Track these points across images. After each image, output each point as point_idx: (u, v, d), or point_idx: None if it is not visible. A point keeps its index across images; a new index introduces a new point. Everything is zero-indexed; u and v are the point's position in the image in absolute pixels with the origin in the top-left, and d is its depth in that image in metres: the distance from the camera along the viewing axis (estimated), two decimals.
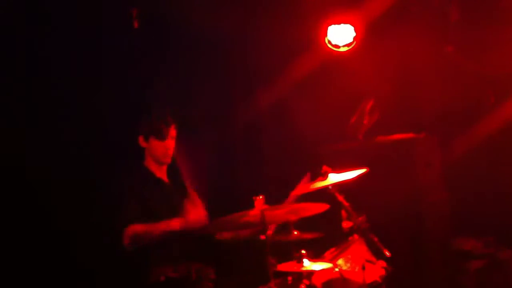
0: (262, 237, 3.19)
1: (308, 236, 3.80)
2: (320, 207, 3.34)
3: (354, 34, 4.64)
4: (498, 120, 5.13)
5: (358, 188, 3.83)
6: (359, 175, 3.73)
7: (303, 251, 3.25)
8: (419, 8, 4.96)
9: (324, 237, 3.81)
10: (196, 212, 3.63)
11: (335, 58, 4.73)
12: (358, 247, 3.50)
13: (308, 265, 3.23)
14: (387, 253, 3.61)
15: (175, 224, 3.58)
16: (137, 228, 3.56)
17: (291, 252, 3.47)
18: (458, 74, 5.04)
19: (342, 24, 4.63)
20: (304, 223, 3.69)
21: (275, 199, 3.59)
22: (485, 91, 4.98)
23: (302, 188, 3.73)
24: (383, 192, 4.45)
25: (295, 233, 3.75)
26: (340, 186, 3.75)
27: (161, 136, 3.84)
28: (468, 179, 4.92)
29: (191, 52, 4.61)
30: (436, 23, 5.01)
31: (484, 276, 4.77)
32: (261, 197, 3.14)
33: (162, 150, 3.87)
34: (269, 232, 3.17)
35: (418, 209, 4.59)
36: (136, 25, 4.33)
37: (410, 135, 4.63)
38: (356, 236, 3.53)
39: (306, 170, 3.83)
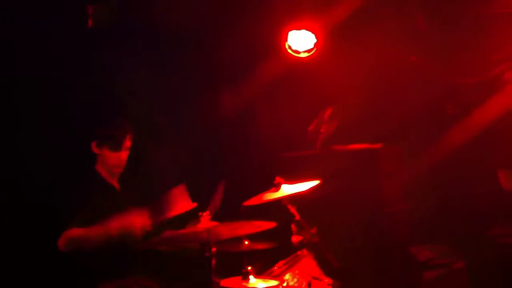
0: (207, 254, 3.12)
1: (259, 246, 3.78)
2: (268, 224, 3.29)
3: (315, 40, 4.60)
4: (461, 130, 5.16)
5: (314, 198, 3.81)
6: (312, 186, 3.71)
7: (249, 268, 3.20)
8: (384, 16, 4.93)
9: (277, 247, 3.82)
10: (135, 217, 3.53)
11: (296, 64, 4.67)
12: (307, 262, 3.47)
13: (253, 282, 3.18)
14: (335, 265, 3.61)
15: (112, 226, 3.44)
16: (75, 232, 3.43)
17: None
18: (422, 83, 5.04)
19: (303, 30, 4.58)
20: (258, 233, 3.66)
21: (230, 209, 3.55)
22: (448, 101, 4.98)
23: (254, 199, 3.69)
24: (341, 202, 4.42)
25: (246, 243, 3.73)
26: (294, 197, 3.74)
27: (115, 146, 3.76)
28: (426, 189, 4.93)
29: (154, 56, 4.52)
30: (402, 31, 4.99)
31: (439, 286, 4.79)
32: (206, 213, 3.08)
33: (114, 161, 3.77)
34: (214, 249, 3.11)
35: (378, 220, 4.58)
36: (90, 23, 4.21)
37: (368, 145, 4.60)
38: (305, 251, 3.50)
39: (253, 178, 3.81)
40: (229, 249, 3.66)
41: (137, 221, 3.44)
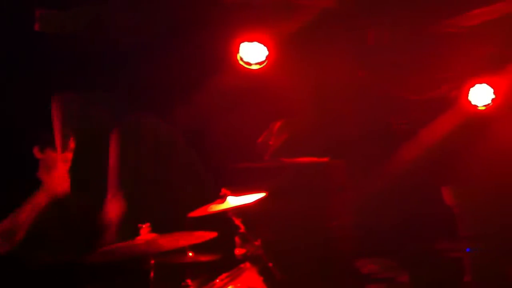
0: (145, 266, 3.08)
1: (203, 258, 3.76)
2: (209, 235, 3.27)
3: (266, 53, 4.62)
4: (408, 147, 5.26)
5: (260, 210, 3.82)
6: (258, 199, 3.72)
7: (189, 282, 3.17)
8: (335, 31, 4.99)
9: (221, 259, 3.81)
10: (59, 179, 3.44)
11: (247, 76, 4.68)
12: (249, 275, 3.46)
13: None
14: (278, 278, 3.63)
15: (39, 198, 3.33)
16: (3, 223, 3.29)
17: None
18: (370, 98, 5.12)
19: (255, 42, 4.60)
20: (201, 244, 3.64)
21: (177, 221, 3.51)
22: (394, 117, 5.07)
23: (199, 210, 3.68)
24: (287, 215, 4.44)
25: (190, 254, 3.71)
26: (239, 209, 3.74)
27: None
28: (373, 203, 5.00)
29: (104, 68, 4.45)
30: (351, 46, 5.06)
31: None
32: (146, 225, 3.04)
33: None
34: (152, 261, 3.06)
35: (323, 233, 4.62)
36: (36, 27, 4.12)
37: (315, 158, 4.64)
38: (248, 264, 3.49)
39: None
40: (172, 261, 3.63)
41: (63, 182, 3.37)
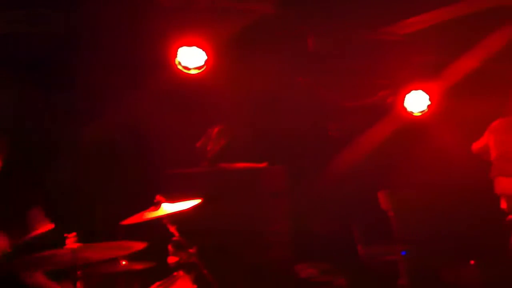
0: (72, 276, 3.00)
1: (137, 266, 3.70)
2: (138, 245, 3.22)
3: (205, 57, 4.59)
4: (346, 152, 5.33)
5: (196, 217, 3.79)
6: (194, 205, 3.68)
7: None
8: (275, 37, 5.01)
9: (155, 267, 3.76)
10: None
11: (186, 81, 4.64)
12: (182, 283, 3.42)
13: None
14: (215, 285, 3.60)
15: None
16: None
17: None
18: (308, 104, 5.16)
19: (193, 47, 4.56)
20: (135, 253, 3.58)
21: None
22: (332, 123, 5.13)
23: (133, 218, 3.61)
24: (224, 220, 4.43)
25: (124, 263, 3.64)
26: (174, 216, 3.70)
27: None
28: (311, 208, 5.05)
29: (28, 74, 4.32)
30: (292, 53, 5.09)
31: None
32: (72, 234, 2.96)
33: None
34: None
35: (261, 238, 4.62)
36: None
37: (253, 164, 4.65)
38: (181, 272, 3.46)
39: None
40: (104, 270, 3.56)
41: None
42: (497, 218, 4.99)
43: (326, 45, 5.18)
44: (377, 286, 5.06)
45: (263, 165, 4.62)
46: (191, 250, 3.58)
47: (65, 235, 2.96)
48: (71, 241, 2.95)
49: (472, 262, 5.29)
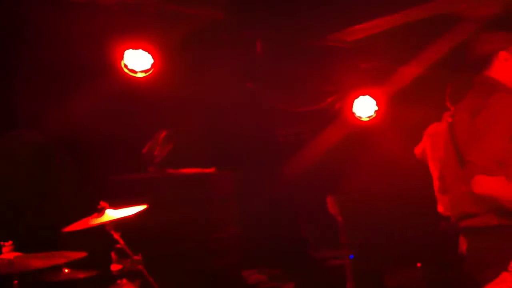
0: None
1: (80, 275, 3.60)
2: (78, 255, 3.13)
3: (152, 61, 4.52)
4: (295, 157, 5.35)
5: (142, 223, 3.71)
6: (139, 211, 3.61)
7: None
8: (223, 41, 4.98)
9: (99, 275, 3.66)
10: None
11: (132, 84, 4.56)
12: None
13: None
14: None
15: None
16: None
17: None
18: (257, 110, 5.15)
19: (140, 50, 4.49)
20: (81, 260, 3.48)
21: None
22: (281, 128, 5.14)
23: (76, 224, 3.51)
24: (171, 227, 4.36)
25: (66, 271, 3.54)
26: (119, 222, 3.62)
27: None
28: (258, 213, 5.04)
29: None
30: (240, 58, 5.07)
31: None
32: (8, 243, 2.85)
33: None
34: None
35: (209, 244, 4.58)
36: None
37: (201, 169, 4.60)
38: (124, 280, 3.38)
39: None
40: (47, 279, 3.45)
41: None
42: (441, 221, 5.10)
43: (274, 51, 5.19)
44: None
45: (211, 170, 4.58)
46: (136, 257, 3.52)
47: (1, 243, 2.86)
48: (7, 250, 2.84)
49: (418, 264, 5.40)
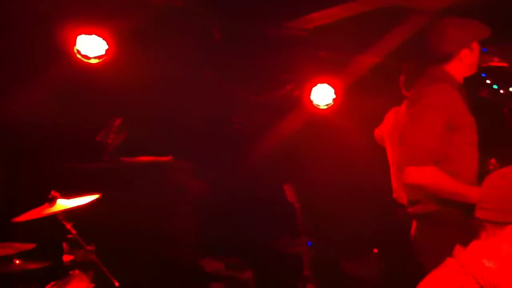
0: None
1: (32, 266, 3.52)
2: (26, 246, 3.06)
3: (106, 46, 4.42)
4: (252, 145, 5.32)
5: (96, 213, 3.65)
6: (91, 201, 3.54)
7: None
8: (180, 28, 4.90)
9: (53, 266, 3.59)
10: None
11: (85, 70, 4.45)
12: (78, 282, 3.29)
13: None
14: (116, 284, 3.50)
15: None
16: None
17: None
18: (214, 98, 5.11)
19: (93, 35, 4.38)
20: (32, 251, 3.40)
21: None
22: (237, 116, 5.11)
23: (26, 215, 3.42)
24: (126, 216, 4.29)
25: (17, 262, 3.45)
26: (72, 212, 3.54)
27: None
28: (216, 201, 5.01)
29: None
30: (198, 45, 5.00)
31: None
32: None
33: None
34: None
35: (165, 233, 4.53)
36: None
37: (156, 158, 4.54)
38: (77, 271, 3.31)
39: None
40: None
41: None
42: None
43: (232, 38, 5.15)
44: (283, 278, 5.11)
45: (167, 158, 4.52)
46: (89, 248, 3.46)
47: None
48: None
49: (375, 250, 5.47)
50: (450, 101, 3.29)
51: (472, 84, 4.16)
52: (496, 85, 4.97)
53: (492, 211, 1.73)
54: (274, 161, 5.27)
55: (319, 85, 5.62)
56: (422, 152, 3.19)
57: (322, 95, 5.66)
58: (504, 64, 3.49)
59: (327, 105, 5.66)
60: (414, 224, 3.47)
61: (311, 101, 5.60)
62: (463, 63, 3.44)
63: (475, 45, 3.46)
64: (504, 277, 1.72)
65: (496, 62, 3.48)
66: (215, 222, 4.85)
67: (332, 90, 5.67)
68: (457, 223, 3.07)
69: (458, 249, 1.82)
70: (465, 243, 1.88)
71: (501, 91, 5.02)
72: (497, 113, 4.25)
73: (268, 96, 5.25)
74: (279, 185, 5.26)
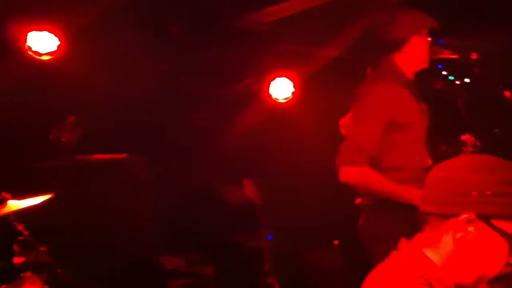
0: None
1: None
2: None
3: (58, 42, 4.32)
4: (210, 141, 5.28)
5: (47, 213, 3.57)
6: (44, 201, 3.47)
7: None
8: (136, 23, 4.81)
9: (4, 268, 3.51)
10: None
11: (37, 67, 4.34)
12: (30, 286, 3.22)
13: None
14: (73, 286, 3.45)
15: None
16: None
17: None
18: (173, 93, 5.04)
19: (44, 32, 4.27)
20: None
21: None
22: (197, 112, 5.06)
23: None
24: (80, 215, 4.21)
25: None
26: (23, 212, 3.46)
27: None
28: (175, 198, 4.96)
29: None
30: (155, 40, 4.92)
31: None
32: None
33: None
34: None
35: (123, 232, 4.46)
36: None
37: (112, 155, 4.47)
38: (28, 273, 3.24)
39: None
40: None
41: None
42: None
43: (190, 32, 5.09)
44: (244, 272, 5.10)
45: (123, 156, 4.45)
46: (41, 249, 3.39)
47: None
48: None
49: (336, 242, 5.50)
50: (393, 100, 3.31)
51: (427, 76, 4.21)
52: (452, 76, 5.04)
53: (435, 204, 1.74)
54: (234, 156, 5.24)
55: (277, 79, 5.62)
56: (357, 152, 3.22)
57: (281, 88, 5.66)
58: (455, 56, 3.52)
59: (286, 98, 5.66)
60: (361, 216, 3.50)
61: (270, 95, 5.60)
62: (414, 52, 3.44)
63: (425, 34, 3.48)
64: (447, 270, 1.73)
65: (447, 54, 3.51)
66: (175, 218, 4.80)
67: (291, 84, 5.68)
68: (402, 215, 3.11)
69: (402, 242, 1.82)
70: (411, 235, 1.89)
71: (457, 82, 5.09)
72: (451, 104, 4.29)
73: (227, 90, 5.21)
74: (239, 180, 5.25)
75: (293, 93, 5.63)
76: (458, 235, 1.71)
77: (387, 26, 3.51)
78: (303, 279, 5.13)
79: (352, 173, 3.23)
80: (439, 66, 4.76)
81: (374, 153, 3.26)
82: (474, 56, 3.39)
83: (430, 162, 3.55)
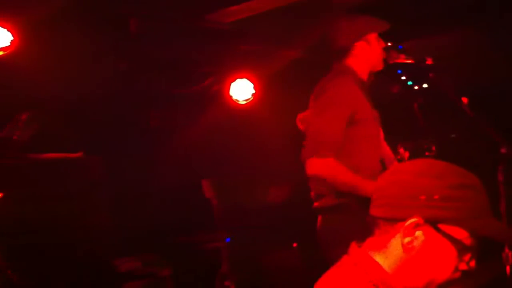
0: None
1: None
2: None
3: (11, 38, 4.19)
4: (169, 141, 5.22)
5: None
6: None
7: None
8: (92, 20, 4.70)
9: None
10: None
11: None
12: None
13: None
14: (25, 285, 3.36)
15: None
16: None
17: None
18: (132, 91, 4.96)
19: None
20: None
21: None
22: (153, 111, 4.99)
23: None
24: (37, 215, 4.09)
25: None
26: None
27: None
28: (131, 199, 4.88)
29: None
30: (112, 37, 4.83)
31: None
32: None
33: None
34: None
35: (78, 233, 4.35)
36: None
37: (67, 154, 4.35)
38: None
39: None
40: None
41: None
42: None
43: (149, 30, 5.01)
44: (201, 274, 5.05)
45: (78, 155, 4.34)
46: None
47: None
48: None
49: (294, 245, 5.50)
50: (351, 95, 3.36)
51: (385, 81, 4.25)
52: (411, 81, 5.10)
53: (383, 208, 1.73)
54: (192, 157, 5.19)
55: (238, 80, 5.59)
56: (323, 145, 3.24)
57: (241, 90, 5.63)
58: (411, 61, 3.56)
59: (246, 100, 5.64)
60: (319, 219, 3.51)
61: (230, 96, 5.57)
62: (362, 57, 3.50)
63: (373, 39, 3.51)
64: (395, 275, 1.73)
65: (402, 59, 3.54)
66: (131, 219, 4.72)
67: (252, 85, 5.65)
68: (357, 219, 3.12)
69: (353, 246, 1.81)
70: (364, 238, 1.88)
71: (415, 87, 5.15)
72: (407, 109, 4.34)
73: (187, 90, 5.16)
74: (197, 181, 5.20)
75: (253, 94, 5.62)
76: (406, 239, 1.71)
77: (333, 33, 3.58)
78: (261, 282, 5.12)
79: (318, 165, 3.23)
80: (399, 71, 4.82)
81: (338, 144, 3.28)
82: (429, 61, 3.43)
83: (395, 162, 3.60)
